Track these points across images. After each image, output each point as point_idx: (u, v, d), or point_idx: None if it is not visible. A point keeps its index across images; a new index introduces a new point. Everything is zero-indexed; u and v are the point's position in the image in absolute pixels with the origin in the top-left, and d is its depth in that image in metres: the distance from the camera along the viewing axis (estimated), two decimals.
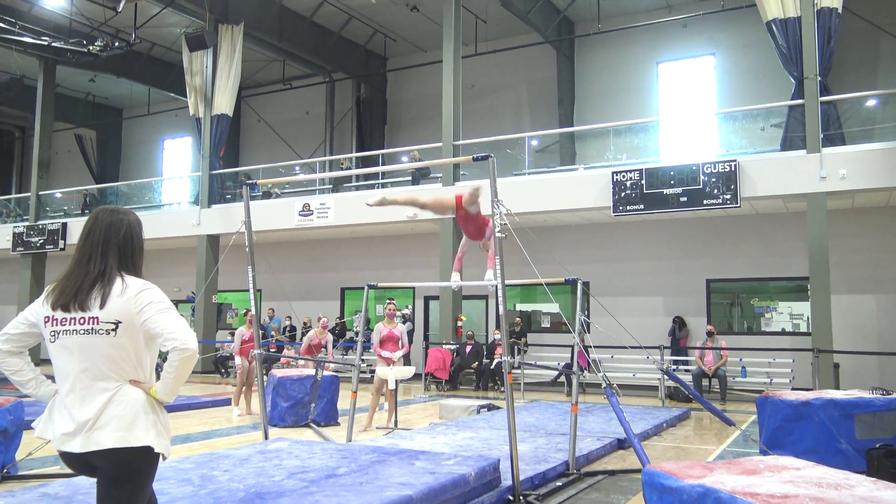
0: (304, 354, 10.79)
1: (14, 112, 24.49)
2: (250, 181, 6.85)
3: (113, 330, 2.49)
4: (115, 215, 2.67)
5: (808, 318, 13.70)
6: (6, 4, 17.95)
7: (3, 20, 17.13)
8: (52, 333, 2.53)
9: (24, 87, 21.62)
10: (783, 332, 14.45)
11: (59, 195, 22.21)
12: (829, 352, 11.48)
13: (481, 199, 6.07)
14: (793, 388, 11.76)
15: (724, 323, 15.03)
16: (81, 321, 2.50)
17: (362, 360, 8.22)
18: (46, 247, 19.90)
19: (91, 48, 17.32)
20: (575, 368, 6.81)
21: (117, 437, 2.44)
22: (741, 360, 13.32)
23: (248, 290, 6.91)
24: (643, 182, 12.98)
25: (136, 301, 2.51)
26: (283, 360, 12.94)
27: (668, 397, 12.33)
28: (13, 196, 24.50)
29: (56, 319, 2.53)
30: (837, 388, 11.40)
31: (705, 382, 13.02)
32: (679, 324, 14.65)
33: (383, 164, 18.35)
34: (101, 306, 2.50)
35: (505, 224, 5.44)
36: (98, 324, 2.49)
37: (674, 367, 13.59)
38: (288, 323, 17.59)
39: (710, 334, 13.04)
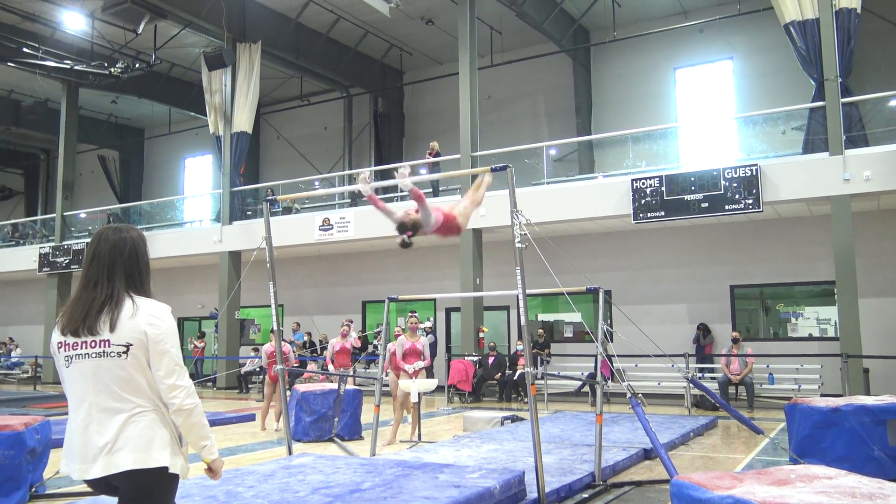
0: (332, 361, 10.86)
1: (39, 135, 24.92)
2: (270, 197, 6.89)
3: (124, 352, 2.50)
4: (118, 234, 2.66)
5: (835, 323, 13.46)
6: (29, 30, 18.33)
7: (27, 45, 17.48)
8: (66, 358, 2.55)
9: (48, 110, 22.02)
10: (810, 338, 14.23)
11: (83, 215, 22.54)
12: (858, 357, 11.28)
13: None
14: (822, 395, 11.56)
15: (750, 329, 14.84)
16: (93, 344, 2.51)
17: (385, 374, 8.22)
18: (72, 266, 20.17)
19: (113, 70, 17.61)
20: (599, 378, 6.75)
21: (134, 458, 2.45)
22: (768, 366, 13.12)
23: (270, 306, 6.94)
24: (663, 189, 12.89)
25: (145, 327, 2.52)
26: (305, 374, 12.98)
27: (695, 406, 12.16)
28: (39, 217, 24.89)
29: (68, 345, 2.54)
30: (868, 393, 11.20)
31: (732, 390, 12.84)
32: (703, 331, 14.49)
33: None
34: (112, 329, 2.51)
35: (525, 234, 5.41)
36: (109, 346, 2.50)
37: (699, 375, 13.43)
38: (308, 338, 17.65)
39: (735, 341, 12.87)
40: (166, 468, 2.49)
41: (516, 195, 5.50)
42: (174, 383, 2.51)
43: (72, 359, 2.53)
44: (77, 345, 2.52)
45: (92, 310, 2.53)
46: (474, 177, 14.59)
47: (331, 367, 11.04)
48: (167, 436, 2.53)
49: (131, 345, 2.50)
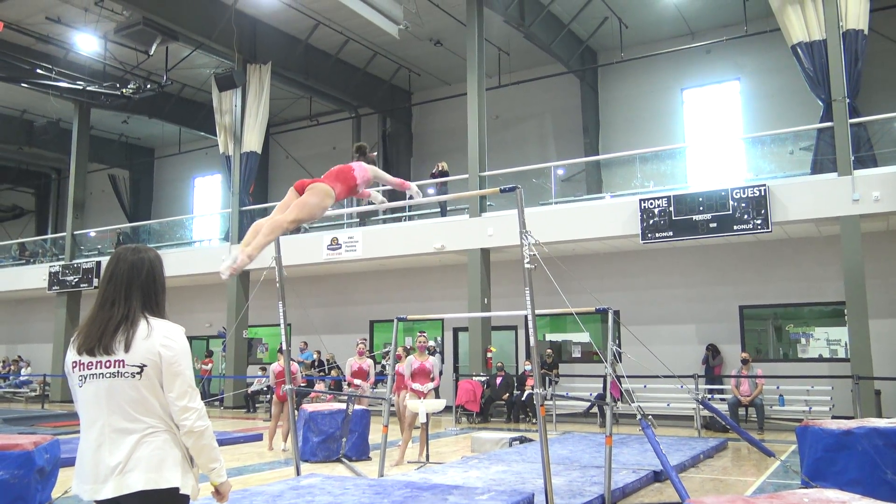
0: (350, 380, 10.86)
1: (50, 154, 25.16)
2: None
3: (138, 373, 2.50)
4: (136, 254, 2.68)
5: (846, 344, 13.37)
6: (43, 52, 18.59)
7: (41, 66, 17.71)
8: (81, 378, 2.55)
9: (60, 130, 22.25)
10: (821, 359, 14.12)
11: (93, 234, 22.68)
12: (869, 378, 11.18)
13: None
14: (833, 417, 11.45)
15: (760, 350, 14.74)
16: (107, 364, 2.51)
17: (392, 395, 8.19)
18: (81, 285, 20.25)
19: (124, 91, 17.81)
20: (608, 399, 6.71)
21: (146, 479, 2.45)
22: (778, 387, 13.00)
23: (278, 325, 6.95)
24: (671, 209, 12.89)
25: (160, 349, 2.53)
26: (312, 394, 12.94)
27: (704, 427, 12.07)
28: (49, 236, 25.06)
29: (83, 364, 2.55)
30: (879, 415, 11.09)
31: (742, 411, 12.73)
32: (713, 352, 14.40)
33: (410, 197, 18.43)
34: (126, 349, 2.51)
35: (534, 255, 5.42)
36: (124, 367, 2.50)
37: (709, 396, 13.32)
38: (316, 357, 17.63)
39: (745, 362, 12.78)
40: (177, 489, 2.49)
41: (525, 215, 5.51)
42: (186, 405, 2.52)
43: (86, 378, 2.54)
44: (92, 364, 2.53)
45: (108, 329, 2.54)
46: (484, 197, 14.72)
47: (346, 386, 10.99)
48: (179, 456, 2.53)
49: (145, 365, 2.51)
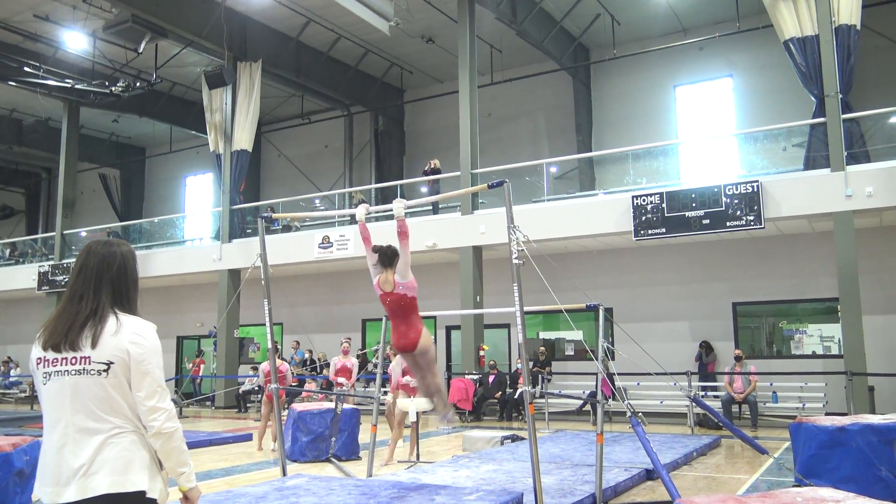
0: (334, 378, 10.82)
1: (41, 154, 24.94)
2: (265, 214, 6.84)
3: (105, 371, 2.39)
4: (108, 248, 2.56)
5: (839, 340, 13.34)
6: (31, 49, 18.41)
7: (28, 64, 17.54)
8: (45, 375, 2.43)
9: (50, 129, 22.06)
10: (814, 355, 14.07)
11: (84, 234, 22.50)
12: (862, 374, 11.14)
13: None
14: (826, 413, 11.41)
15: (753, 347, 14.70)
16: (73, 361, 2.40)
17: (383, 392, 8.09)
18: None
19: (113, 89, 17.65)
20: (599, 397, 6.63)
21: (111, 481, 2.32)
22: (771, 384, 12.97)
23: (272, 324, 6.86)
24: (664, 205, 12.82)
25: (128, 346, 2.42)
26: (304, 394, 12.84)
27: (698, 424, 12.01)
28: (39, 236, 24.86)
29: (48, 360, 2.43)
30: (873, 412, 11.05)
31: (735, 409, 12.68)
32: (706, 349, 14.35)
33: (402, 194, 18.35)
34: (93, 346, 2.39)
35: (522, 251, 5.33)
36: (89, 364, 2.39)
37: (702, 393, 13.27)
38: (308, 356, 17.53)
39: (738, 359, 12.74)
40: (144, 492, 2.36)
41: (516, 211, 5.44)
42: (155, 405, 2.41)
43: (50, 375, 2.42)
44: (57, 361, 2.41)
45: (75, 324, 2.42)
46: (475, 194, 14.63)
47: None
48: (146, 458, 2.41)
49: (112, 363, 2.39)
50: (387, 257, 5.33)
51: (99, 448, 2.35)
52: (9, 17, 17.08)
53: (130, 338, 2.43)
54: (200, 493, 2.57)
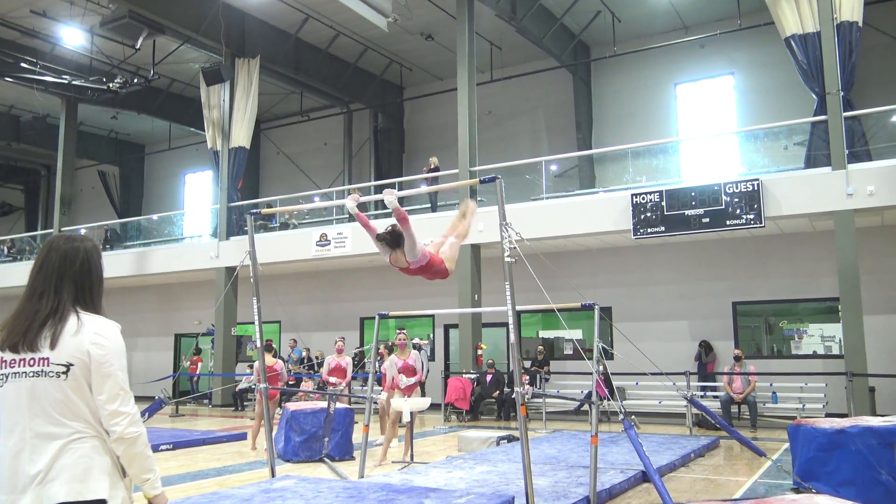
0: (328, 377, 10.76)
1: (39, 150, 24.84)
2: (254, 211, 6.74)
3: (64, 373, 2.28)
4: (70, 244, 2.45)
5: (839, 341, 13.22)
6: (28, 46, 18.31)
7: (25, 61, 17.47)
8: (2, 376, 2.32)
9: (48, 125, 21.95)
10: (814, 356, 13.95)
11: (82, 231, 22.41)
12: (863, 375, 11.02)
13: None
14: (826, 415, 11.31)
15: (753, 347, 14.58)
16: (31, 362, 2.29)
17: (376, 391, 8.00)
18: None
19: (111, 85, 17.56)
20: (594, 398, 6.53)
21: (69, 489, 2.21)
22: (771, 385, 12.85)
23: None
24: (664, 204, 12.71)
25: (89, 346, 2.30)
26: (300, 393, 12.76)
27: (697, 425, 11.90)
28: (38, 233, 24.80)
29: (5, 361, 2.32)
30: (874, 413, 10.94)
31: (734, 409, 12.57)
32: (705, 348, 14.24)
33: (401, 191, 18.24)
34: (52, 346, 2.29)
35: (514, 248, 5.23)
36: (48, 365, 2.28)
37: (701, 393, 13.17)
38: (306, 354, 17.45)
39: (737, 359, 12.62)
40: (104, 501, 2.26)
41: (515, 209, 5.34)
42: (117, 409, 2.30)
43: (7, 377, 2.31)
44: (14, 362, 2.30)
45: (34, 324, 2.32)
46: (474, 191, 14.52)
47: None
48: (107, 465, 2.30)
49: (72, 364, 2.29)
50: (392, 240, 5.32)
51: (57, 454, 2.24)
52: (6, 13, 16.98)
53: (91, 338, 2.32)
54: (167, 499, 2.47)
